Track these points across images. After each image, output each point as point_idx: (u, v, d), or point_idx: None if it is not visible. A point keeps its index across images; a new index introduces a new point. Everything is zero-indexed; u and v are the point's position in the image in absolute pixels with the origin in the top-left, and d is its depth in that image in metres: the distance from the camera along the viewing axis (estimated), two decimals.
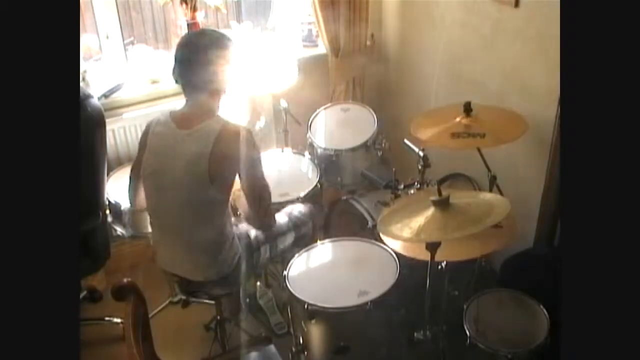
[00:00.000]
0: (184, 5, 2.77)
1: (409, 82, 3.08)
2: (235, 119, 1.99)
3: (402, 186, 2.31)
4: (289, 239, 2.19)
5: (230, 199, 1.98)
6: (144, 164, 1.98)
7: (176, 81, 1.93)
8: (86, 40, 2.82)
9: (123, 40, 2.83)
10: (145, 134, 1.98)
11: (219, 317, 2.36)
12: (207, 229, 1.93)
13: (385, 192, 2.34)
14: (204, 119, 1.87)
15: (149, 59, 2.88)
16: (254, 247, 2.08)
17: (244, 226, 2.14)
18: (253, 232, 2.11)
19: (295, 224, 2.19)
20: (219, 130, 1.84)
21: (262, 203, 1.99)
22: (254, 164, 1.93)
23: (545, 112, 2.14)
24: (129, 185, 2.08)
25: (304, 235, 2.24)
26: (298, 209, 2.26)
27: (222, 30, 1.96)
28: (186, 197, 1.89)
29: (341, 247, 2.12)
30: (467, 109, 2.07)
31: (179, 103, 1.97)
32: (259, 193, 1.97)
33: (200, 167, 1.83)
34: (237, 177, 1.93)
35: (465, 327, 1.90)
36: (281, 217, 2.19)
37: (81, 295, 2.74)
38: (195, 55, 1.88)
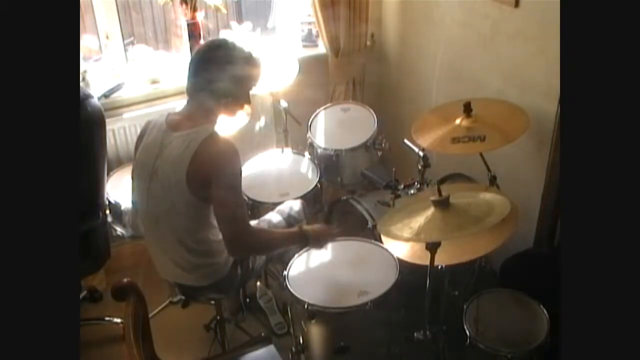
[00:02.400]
0: (184, 5, 2.77)
1: (409, 82, 3.08)
2: (231, 125, 1.98)
3: (402, 186, 2.31)
4: None
5: None
6: (134, 165, 1.98)
7: (188, 77, 1.90)
8: (86, 40, 2.82)
9: (123, 40, 2.83)
10: (141, 135, 1.98)
11: (219, 317, 2.36)
12: (191, 234, 1.91)
13: (385, 192, 2.34)
14: (196, 125, 1.84)
15: (149, 59, 2.88)
16: None
17: None
18: None
19: (290, 223, 2.19)
20: (204, 139, 1.80)
21: (235, 225, 1.83)
22: (231, 184, 1.81)
23: (545, 112, 2.14)
24: (132, 186, 2.06)
25: None
26: (291, 207, 2.25)
27: (246, 48, 1.90)
28: (168, 200, 1.86)
29: (341, 247, 2.12)
30: (467, 109, 2.07)
31: (178, 103, 1.97)
32: (232, 214, 1.82)
33: (180, 171, 1.79)
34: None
35: (465, 327, 1.90)
36: (275, 217, 2.18)
37: (81, 295, 2.75)
38: (207, 64, 1.84)
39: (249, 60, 1.89)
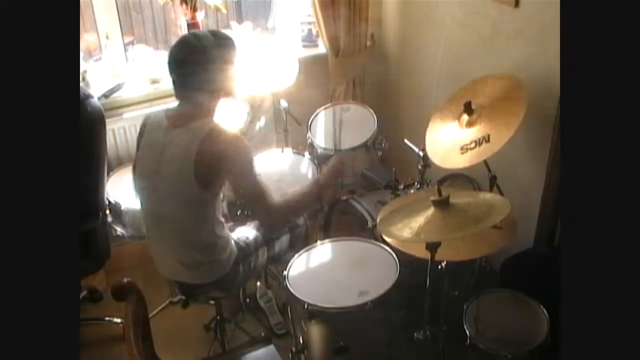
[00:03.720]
0: (184, 5, 2.77)
1: (409, 82, 3.08)
2: (232, 121, 1.99)
3: (402, 186, 2.30)
4: (285, 241, 2.19)
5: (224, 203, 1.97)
6: (136, 163, 1.98)
7: (173, 81, 1.90)
8: (86, 40, 2.82)
9: (123, 40, 2.83)
10: (141, 133, 1.99)
11: (219, 317, 2.36)
12: (196, 229, 1.92)
13: (385, 192, 2.34)
14: (197, 119, 1.85)
15: (149, 59, 2.88)
16: (251, 249, 2.07)
17: (240, 229, 2.13)
18: (249, 235, 2.10)
19: (290, 225, 2.19)
20: (208, 131, 1.81)
21: (261, 206, 1.96)
22: (244, 170, 1.89)
23: (545, 112, 2.14)
24: (134, 186, 2.06)
25: (299, 236, 2.23)
26: None
27: (223, 31, 1.93)
28: (173, 196, 1.87)
29: (341, 247, 2.12)
30: (468, 109, 2.07)
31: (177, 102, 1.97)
32: (255, 196, 1.94)
33: (186, 166, 1.80)
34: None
35: (465, 327, 1.90)
36: None
37: (81, 295, 2.75)
38: (192, 56, 1.84)
39: (219, 43, 1.87)
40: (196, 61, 1.84)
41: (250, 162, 1.90)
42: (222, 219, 1.98)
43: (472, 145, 2.00)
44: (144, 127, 1.98)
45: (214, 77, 1.86)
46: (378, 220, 1.97)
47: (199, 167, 1.80)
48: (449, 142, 2.08)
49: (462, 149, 2.01)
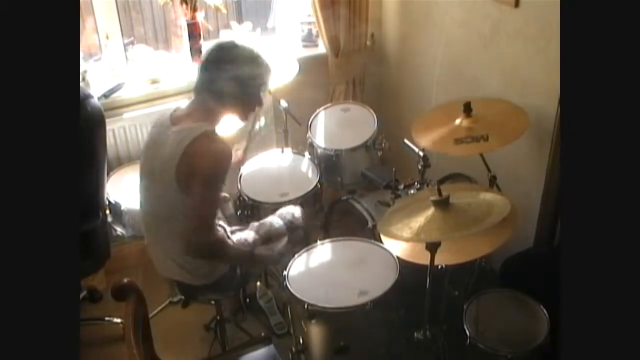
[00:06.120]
0: (184, 5, 2.77)
1: (409, 82, 3.08)
2: (231, 125, 1.99)
3: (402, 186, 2.30)
4: (283, 242, 2.19)
5: None
6: (140, 162, 1.98)
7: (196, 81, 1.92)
8: (86, 40, 2.82)
9: (123, 40, 2.83)
10: (150, 131, 1.99)
11: (219, 317, 2.36)
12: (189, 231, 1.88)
13: (385, 192, 2.34)
14: (195, 120, 1.83)
15: (149, 59, 2.88)
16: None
17: (238, 232, 2.12)
18: (248, 238, 2.08)
19: (289, 227, 2.19)
20: (199, 134, 1.78)
21: (201, 224, 1.82)
22: (210, 183, 1.80)
23: (546, 112, 2.14)
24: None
25: (297, 239, 2.23)
26: (292, 214, 2.25)
27: (253, 50, 1.91)
28: (166, 198, 1.85)
29: (341, 247, 2.12)
30: (467, 109, 2.07)
31: (178, 103, 1.97)
32: (203, 215, 1.82)
33: (170, 168, 1.78)
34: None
35: (465, 327, 1.90)
36: (276, 222, 2.18)
37: (81, 295, 2.75)
38: (226, 57, 1.86)
39: (254, 62, 1.89)
40: (228, 63, 1.85)
41: (220, 178, 1.82)
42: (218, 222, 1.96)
43: (469, 140, 2.00)
44: (153, 125, 1.98)
45: (234, 90, 1.86)
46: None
47: (180, 171, 1.77)
48: (442, 132, 2.08)
49: (456, 140, 2.02)
